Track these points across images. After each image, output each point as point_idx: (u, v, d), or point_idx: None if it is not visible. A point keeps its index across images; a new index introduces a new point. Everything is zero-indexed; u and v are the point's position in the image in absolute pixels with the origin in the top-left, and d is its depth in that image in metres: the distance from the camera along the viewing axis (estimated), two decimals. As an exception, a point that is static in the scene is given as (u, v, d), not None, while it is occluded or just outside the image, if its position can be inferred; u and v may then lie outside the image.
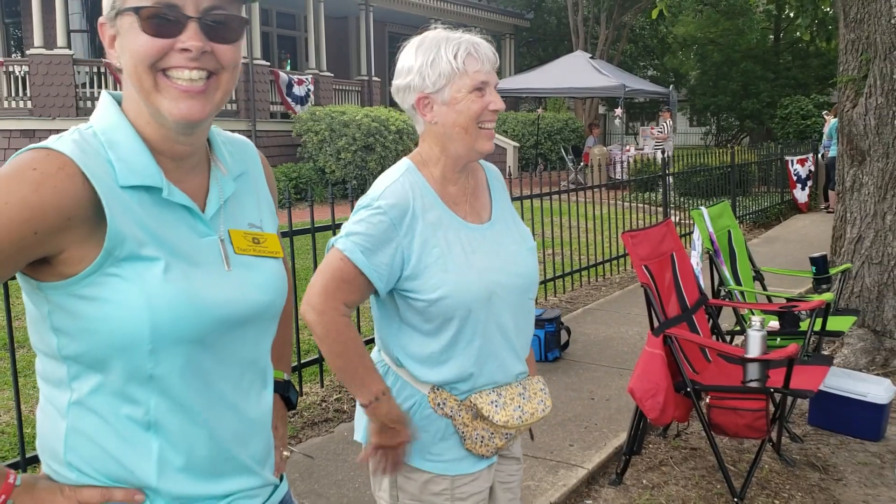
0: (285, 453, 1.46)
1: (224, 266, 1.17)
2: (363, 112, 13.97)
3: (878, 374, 4.75)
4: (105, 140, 1.11)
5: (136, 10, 1.08)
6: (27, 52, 14.61)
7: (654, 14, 8.72)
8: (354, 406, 4.28)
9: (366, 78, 19.27)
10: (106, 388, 1.09)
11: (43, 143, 1.07)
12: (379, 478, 1.84)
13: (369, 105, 16.59)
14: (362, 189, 12.58)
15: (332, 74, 18.11)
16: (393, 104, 17.57)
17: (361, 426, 1.86)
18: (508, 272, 1.77)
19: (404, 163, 1.81)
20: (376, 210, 1.70)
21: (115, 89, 1.22)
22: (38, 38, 14.07)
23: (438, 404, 1.75)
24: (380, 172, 13.71)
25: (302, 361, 4.39)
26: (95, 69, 14.33)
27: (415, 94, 1.73)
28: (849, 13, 5.48)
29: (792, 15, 20.84)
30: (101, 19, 1.14)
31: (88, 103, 14.04)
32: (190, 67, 1.10)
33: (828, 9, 8.05)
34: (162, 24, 1.08)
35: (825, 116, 14.35)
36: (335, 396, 4.41)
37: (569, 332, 5.29)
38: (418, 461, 1.77)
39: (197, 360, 1.12)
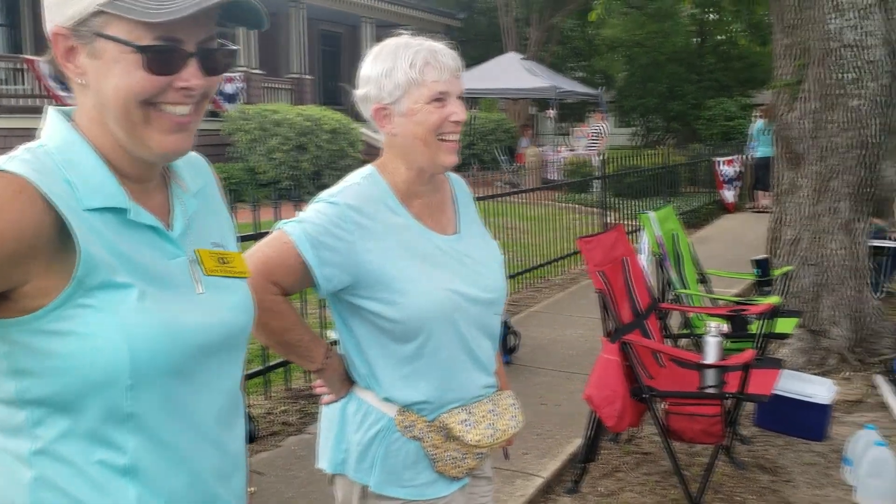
0: (250, 489, 1.35)
1: (196, 288, 1.08)
2: (296, 111, 13.71)
3: (815, 374, 4.85)
4: (61, 160, 1.00)
5: (141, 49, 0.98)
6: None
7: (593, 16, 8.80)
8: (302, 419, 4.16)
9: (297, 76, 18.96)
10: (76, 433, 0.98)
11: None
12: None
13: (301, 104, 16.30)
14: (294, 189, 12.34)
15: (263, 72, 17.75)
16: (326, 103, 17.45)
17: (327, 451, 1.76)
18: (475, 286, 1.69)
19: (368, 168, 1.73)
20: (332, 203, 1.61)
21: (40, 91, 1.10)
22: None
23: (406, 427, 1.66)
24: (314, 173, 13.49)
25: (245, 373, 4.22)
26: (13, 65, 13.65)
27: (372, 104, 1.65)
28: (784, 19, 5.60)
29: (727, 18, 21.43)
30: (57, 27, 1.01)
31: (3, 101, 13.36)
32: (186, 103, 1.03)
33: (764, 14, 8.23)
34: (164, 61, 0.99)
35: (754, 118, 14.76)
36: (281, 408, 4.25)
37: (518, 335, 5.25)
38: (389, 489, 1.68)
39: (177, 392, 1.03)
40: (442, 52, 1.62)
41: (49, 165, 0.98)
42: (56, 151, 1.00)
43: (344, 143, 13.74)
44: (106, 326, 0.95)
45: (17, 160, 0.96)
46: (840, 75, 5.11)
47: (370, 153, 15.84)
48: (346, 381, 1.72)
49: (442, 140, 1.62)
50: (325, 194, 1.66)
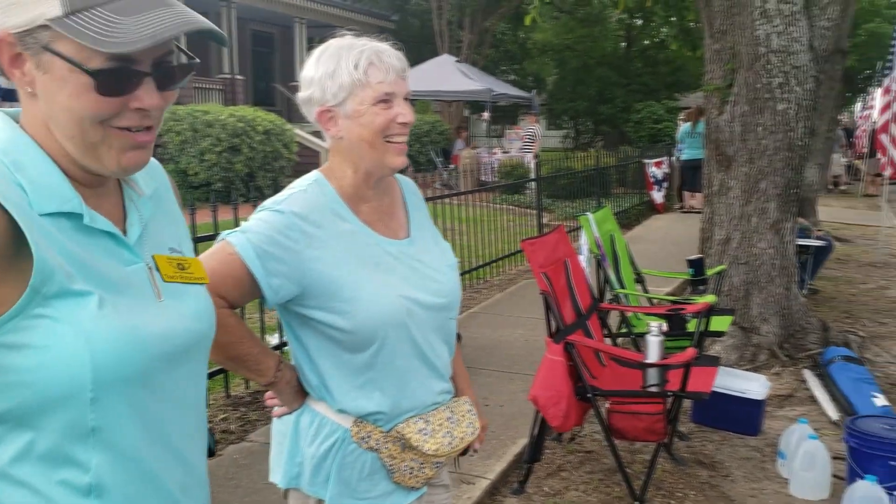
0: None
1: (155, 296, 1.04)
2: (228, 112, 13.43)
3: (747, 369, 4.99)
4: (10, 162, 0.95)
5: (93, 73, 0.93)
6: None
7: (528, 21, 8.85)
8: (243, 426, 4.07)
9: (229, 76, 18.61)
10: (36, 453, 0.93)
11: None
12: None
13: (233, 104, 15.99)
14: (228, 192, 12.12)
15: (193, 72, 17.38)
16: (258, 103, 17.16)
17: (280, 465, 1.71)
18: (428, 291, 1.67)
19: (313, 174, 1.68)
20: (278, 212, 1.57)
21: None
22: None
23: (363, 438, 1.63)
24: (247, 174, 13.24)
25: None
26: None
27: (316, 107, 1.60)
28: (714, 25, 5.75)
29: (655, 24, 21.88)
30: (2, 32, 0.95)
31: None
32: (142, 124, 0.99)
33: (693, 20, 8.45)
34: (118, 83, 0.95)
35: (679, 121, 15.16)
36: (220, 416, 4.16)
37: (460, 337, 5.24)
38: (345, 502, 1.65)
39: (142, 404, 0.98)
40: (387, 53, 1.59)
41: None
42: (3, 155, 0.95)
43: (278, 144, 13.54)
44: (65, 337, 0.91)
45: None
46: (768, 80, 5.27)
47: (305, 154, 15.67)
48: (299, 393, 1.68)
49: (389, 142, 1.59)
50: (269, 202, 1.61)
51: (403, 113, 1.59)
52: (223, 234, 1.59)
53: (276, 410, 1.71)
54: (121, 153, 0.98)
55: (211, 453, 1.36)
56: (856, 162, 19.84)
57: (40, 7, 0.92)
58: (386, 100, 1.57)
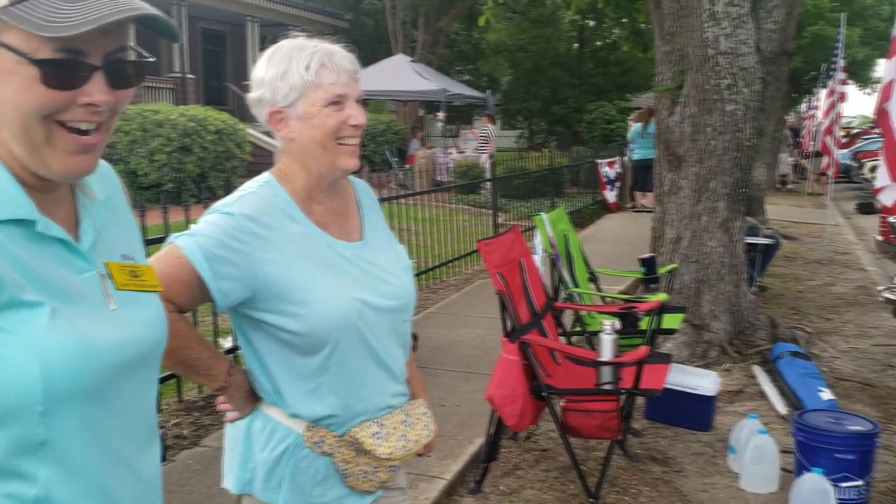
0: None
1: (107, 304, 1.02)
2: (178, 111, 13.22)
3: (698, 366, 5.08)
4: None
5: (38, 63, 0.90)
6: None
7: (482, 22, 8.91)
8: (195, 431, 4.01)
9: (179, 75, 18.34)
10: None
11: None
12: None
13: (184, 104, 15.75)
14: (178, 193, 11.92)
15: (147, 72, 17.09)
16: (210, 103, 16.93)
17: (233, 471, 1.69)
18: (380, 294, 1.66)
19: (265, 176, 1.66)
20: (227, 214, 1.55)
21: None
22: None
23: (316, 443, 1.62)
24: (198, 175, 13.05)
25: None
26: None
27: (266, 108, 1.59)
28: (664, 27, 5.84)
29: (606, 25, 22.11)
30: None
31: None
32: (91, 120, 0.95)
33: (644, 23, 8.57)
34: (64, 74, 0.92)
35: (630, 122, 15.36)
36: (173, 422, 4.09)
37: (416, 337, 5.25)
38: None
39: (92, 416, 0.96)
40: (339, 54, 1.58)
41: None
42: None
43: (230, 143, 13.37)
44: (15, 349, 0.88)
45: None
46: (716, 81, 5.38)
47: (258, 154, 15.50)
48: (251, 398, 1.65)
49: (341, 144, 1.59)
50: (219, 204, 1.58)
51: (355, 115, 1.58)
52: (171, 237, 1.56)
53: (229, 416, 1.69)
54: (66, 156, 0.95)
55: (162, 458, 1.34)
56: (802, 161, 20.34)
57: None
58: (338, 102, 1.56)
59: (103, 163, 1.17)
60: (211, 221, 1.55)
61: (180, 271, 1.51)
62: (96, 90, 0.94)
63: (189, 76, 18.60)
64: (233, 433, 1.70)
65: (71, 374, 0.92)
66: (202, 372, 1.60)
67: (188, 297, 1.55)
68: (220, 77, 21.99)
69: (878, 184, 5.52)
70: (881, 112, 5.45)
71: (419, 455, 1.81)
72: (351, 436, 1.62)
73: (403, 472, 1.86)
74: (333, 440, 1.62)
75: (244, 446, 1.65)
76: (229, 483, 1.70)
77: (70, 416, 0.93)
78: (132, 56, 1.00)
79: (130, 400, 1.03)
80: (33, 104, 0.92)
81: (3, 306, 0.89)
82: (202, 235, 1.53)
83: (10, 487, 0.91)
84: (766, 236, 7.81)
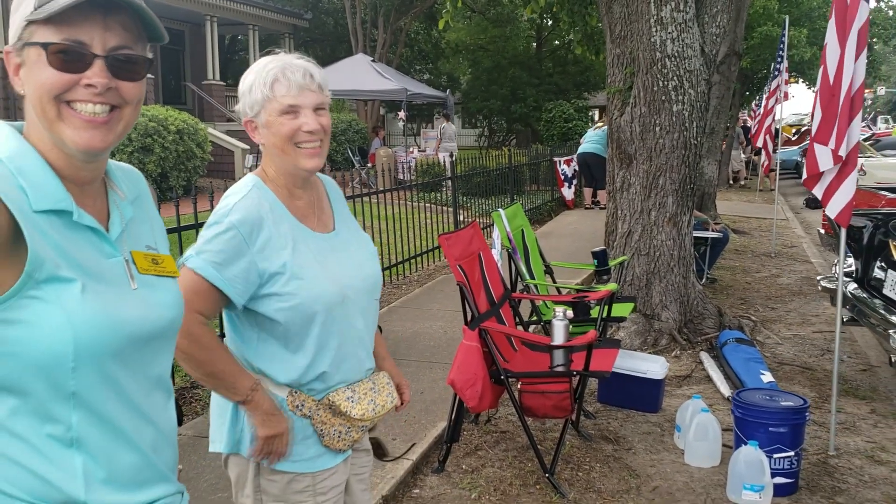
0: (179, 466, 1.49)
1: (130, 285, 1.22)
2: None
3: (649, 353, 5.37)
4: (13, 167, 1.13)
5: (45, 46, 1.12)
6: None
7: (441, 24, 9.11)
8: (202, 402, 4.16)
9: (137, 75, 18.22)
10: (25, 410, 1.10)
11: None
12: (241, 483, 1.90)
13: (144, 104, 15.70)
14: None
15: (148, 66, 16.98)
16: (169, 102, 16.89)
17: (222, 434, 1.89)
18: (357, 276, 1.91)
19: (251, 179, 1.89)
20: (226, 227, 1.77)
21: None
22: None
23: (297, 406, 1.84)
24: (159, 174, 13.04)
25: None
26: None
27: (243, 118, 1.86)
28: (614, 30, 6.11)
29: (563, 27, 22.43)
30: (6, 48, 1.16)
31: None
32: (94, 101, 1.15)
33: (597, 24, 8.85)
34: (69, 59, 1.13)
35: (596, 126, 15.68)
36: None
37: (380, 329, 5.44)
38: (281, 464, 1.85)
39: (114, 374, 1.16)
40: (291, 69, 1.80)
41: (2, 172, 1.10)
42: (7, 160, 1.13)
43: (192, 143, 13.40)
44: (52, 315, 1.08)
45: None
46: (664, 83, 5.66)
47: (219, 154, 15.53)
48: (275, 415, 1.81)
49: (299, 147, 1.82)
50: (215, 217, 1.81)
51: (308, 122, 1.81)
52: (182, 259, 1.79)
53: (269, 459, 1.84)
54: (75, 132, 1.15)
55: (178, 422, 1.54)
56: (754, 158, 20.91)
57: (21, 11, 1.14)
58: (290, 111, 1.80)
59: (133, 168, 1.40)
60: (210, 237, 1.78)
61: (198, 286, 1.74)
62: (96, 74, 1.14)
63: (149, 76, 18.49)
64: (220, 401, 1.90)
65: (97, 338, 1.12)
66: (227, 384, 1.79)
67: (212, 306, 1.78)
68: (179, 76, 21.88)
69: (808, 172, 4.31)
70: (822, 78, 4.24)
71: (396, 410, 2.05)
72: (328, 399, 1.85)
73: (367, 437, 2.09)
74: (312, 403, 1.85)
75: (233, 410, 1.86)
76: (218, 446, 1.91)
77: (96, 374, 1.14)
78: (133, 53, 1.19)
79: (148, 364, 1.24)
80: (45, 84, 1.13)
81: (44, 281, 1.09)
82: (207, 251, 1.76)
83: (50, 429, 1.12)
84: (716, 231, 8.15)
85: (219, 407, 1.92)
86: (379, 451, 2.21)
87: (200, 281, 1.74)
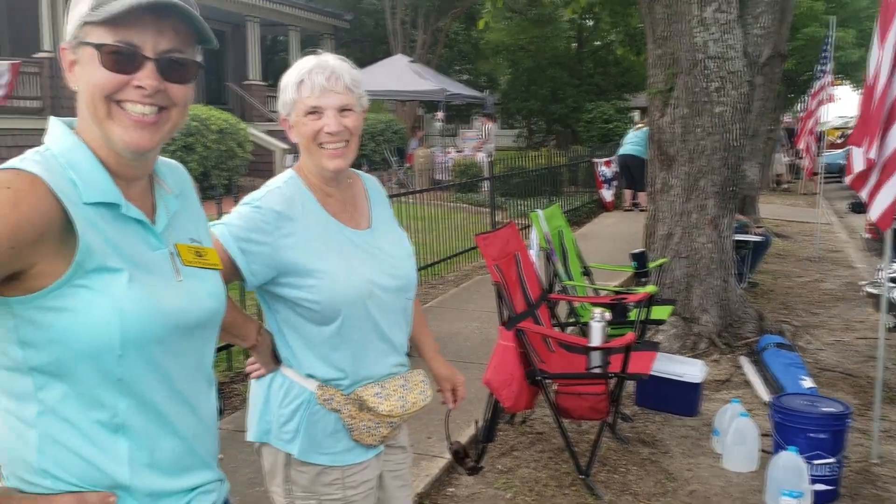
0: (220, 456, 1.52)
1: (175, 276, 1.26)
2: (181, 111, 13.44)
3: (688, 357, 5.31)
4: (65, 161, 1.17)
5: (98, 47, 1.15)
6: (34, 55, 15.09)
7: (481, 25, 9.13)
8: (241, 397, 4.23)
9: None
10: (74, 396, 1.14)
11: (8, 164, 1.12)
12: (272, 473, 1.94)
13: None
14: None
15: (199, 71, 17.29)
16: (211, 102, 17.12)
17: (254, 424, 1.94)
18: (387, 274, 1.92)
19: (289, 173, 1.94)
20: (256, 208, 1.82)
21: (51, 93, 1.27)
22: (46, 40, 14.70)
23: (326, 400, 1.86)
24: (201, 174, 13.23)
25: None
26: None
27: (280, 116, 1.90)
28: (656, 31, 6.06)
29: (605, 27, 22.27)
30: (62, 45, 1.20)
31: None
32: (143, 103, 1.18)
33: (639, 24, 8.78)
34: (121, 61, 1.16)
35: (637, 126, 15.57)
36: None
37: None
38: (312, 456, 1.88)
39: (159, 362, 1.20)
40: (319, 70, 1.83)
41: (55, 166, 1.14)
42: (60, 154, 1.17)
43: (232, 143, 13.58)
44: (100, 304, 1.12)
45: (29, 161, 1.13)
46: (706, 84, 5.61)
47: (259, 154, 15.72)
48: (275, 357, 1.92)
49: (322, 147, 1.85)
50: (249, 198, 1.86)
51: (329, 123, 1.84)
52: (208, 224, 1.81)
53: (256, 373, 1.95)
54: (123, 131, 1.18)
55: (219, 412, 1.58)
56: (798, 161, 20.56)
57: (78, 10, 1.18)
58: (314, 112, 1.83)
59: (178, 164, 1.43)
60: (241, 213, 1.83)
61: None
62: (146, 76, 1.18)
63: (192, 78, 18.78)
64: (255, 391, 1.96)
65: (143, 327, 1.16)
66: (237, 333, 1.87)
67: (224, 275, 1.79)
68: (221, 77, 22.16)
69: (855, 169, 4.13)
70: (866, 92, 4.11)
71: (461, 457, 2.17)
72: (356, 395, 1.88)
73: (406, 433, 2.10)
74: (341, 398, 1.87)
75: (264, 402, 1.91)
76: (252, 434, 1.95)
77: (141, 361, 1.17)
78: (183, 57, 1.22)
79: (191, 354, 1.27)
80: (98, 83, 1.16)
81: (93, 271, 1.13)
82: (234, 225, 1.80)
83: (98, 414, 1.16)
84: (758, 234, 8.04)
85: (254, 396, 1.96)
86: (459, 456, 2.25)
87: (219, 248, 1.75)
